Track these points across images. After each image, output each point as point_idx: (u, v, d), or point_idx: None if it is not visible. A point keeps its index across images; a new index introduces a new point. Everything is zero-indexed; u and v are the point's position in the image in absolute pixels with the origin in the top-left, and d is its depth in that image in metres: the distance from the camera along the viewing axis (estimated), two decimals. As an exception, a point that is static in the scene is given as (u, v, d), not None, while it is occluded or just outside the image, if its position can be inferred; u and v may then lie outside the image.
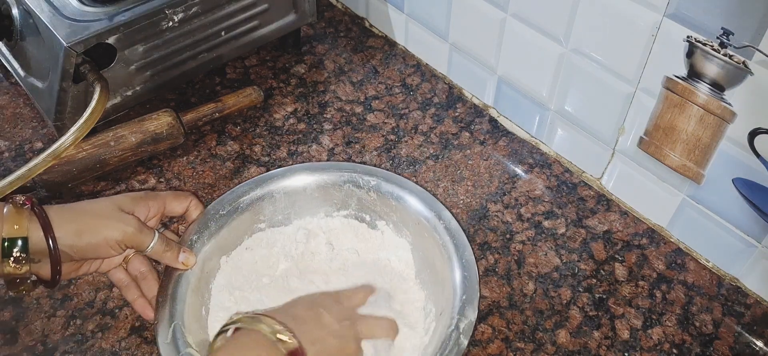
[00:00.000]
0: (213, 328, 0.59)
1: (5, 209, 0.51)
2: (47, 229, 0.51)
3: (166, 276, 0.58)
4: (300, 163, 0.74)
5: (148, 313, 0.58)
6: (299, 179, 0.66)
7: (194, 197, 0.62)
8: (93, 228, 0.53)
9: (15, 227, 0.50)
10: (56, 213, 0.52)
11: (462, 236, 0.60)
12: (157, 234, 0.56)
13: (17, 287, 0.52)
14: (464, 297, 0.56)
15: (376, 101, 0.85)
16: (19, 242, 0.50)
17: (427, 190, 0.64)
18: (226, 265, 0.63)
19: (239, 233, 0.64)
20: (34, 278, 0.53)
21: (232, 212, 0.63)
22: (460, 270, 0.58)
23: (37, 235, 0.51)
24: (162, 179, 0.75)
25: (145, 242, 0.55)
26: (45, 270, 0.53)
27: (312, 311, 0.53)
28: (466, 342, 0.53)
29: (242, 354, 0.47)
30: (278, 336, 0.48)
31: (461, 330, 0.53)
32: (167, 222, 0.70)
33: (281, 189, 0.65)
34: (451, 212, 0.62)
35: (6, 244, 0.50)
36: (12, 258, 0.50)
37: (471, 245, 0.59)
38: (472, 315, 0.54)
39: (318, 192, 0.66)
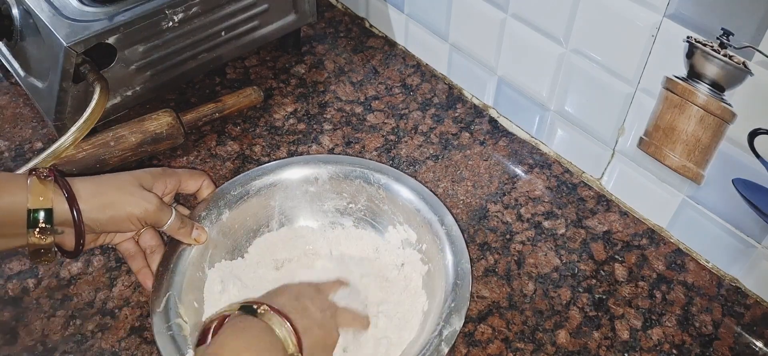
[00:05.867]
0: (208, 303, 0.60)
1: (29, 181, 0.51)
2: (72, 201, 0.52)
3: (170, 248, 0.59)
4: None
5: (150, 284, 0.59)
6: (311, 170, 0.66)
7: (207, 176, 0.64)
8: (116, 204, 0.54)
9: (40, 198, 0.51)
10: (81, 186, 0.53)
11: (462, 243, 0.60)
12: (174, 212, 0.58)
13: (40, 257, 0.53)
14: (452, 305, 0.55)
15: (376, 101, 0.85)
16: (44, 214, 0.51)
17: (433, 192, 0.64)
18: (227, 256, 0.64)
19: (246, 218, 0.65)
20: (55, 248, 0.54)
21: (242, 194, 0.64)
22: (453, 276, 0.57)
23: (61, 207, 0.51)
24: (162, 179, 0.75)
25: (163, 219, 0.57)
26: (67, 240, 0.54)
27: (298, 302, 0.53)
28: (446, 350, 0.52)
29: (254, 343, 0.47)
30: (290, 351, 0.47)
31: (443, 338, 0.53)
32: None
33: (292, 178, 0.66)
34: (454, 217, 0.62)
35: (32, 215, 0.50)
36: (37, 229, 0.51)
37: (471, 246, 0.59)
38: (458, 324, 0.54)
39: (329, 184, 0.66)
